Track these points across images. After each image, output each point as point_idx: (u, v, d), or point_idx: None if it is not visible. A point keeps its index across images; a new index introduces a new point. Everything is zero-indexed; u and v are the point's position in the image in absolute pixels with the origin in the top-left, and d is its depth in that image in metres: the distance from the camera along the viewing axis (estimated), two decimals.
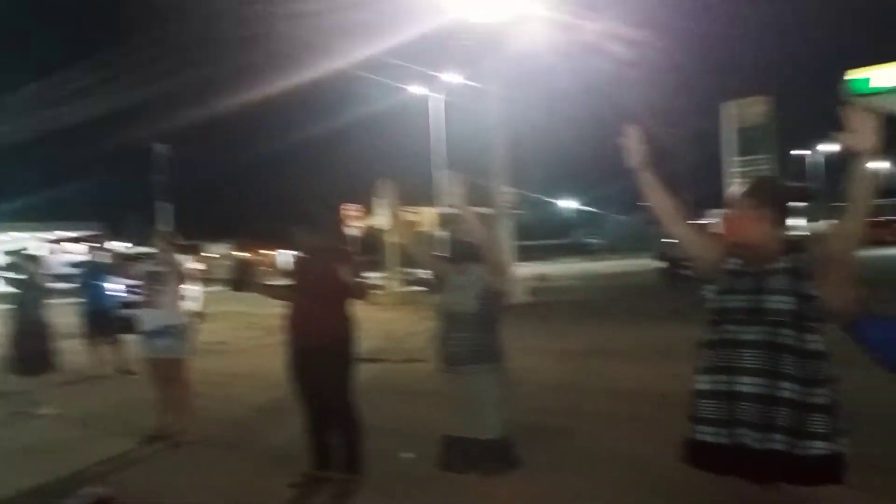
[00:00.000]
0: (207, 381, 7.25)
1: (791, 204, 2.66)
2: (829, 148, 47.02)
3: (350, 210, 18.18)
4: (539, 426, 5.72)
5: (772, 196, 2.63)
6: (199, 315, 6.19)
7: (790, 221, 2.59)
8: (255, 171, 63.03)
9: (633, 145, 2.81)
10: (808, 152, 45.54)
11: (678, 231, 2.80)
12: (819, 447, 2.37)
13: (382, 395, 6.79)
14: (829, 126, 2.50)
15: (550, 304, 17.12)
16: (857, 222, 2.41)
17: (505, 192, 18.19)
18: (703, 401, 2.55)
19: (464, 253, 3.46)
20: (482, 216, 3.56)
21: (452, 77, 27.37)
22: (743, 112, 30.72)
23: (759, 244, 2.55)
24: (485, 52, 18.15)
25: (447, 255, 3.62)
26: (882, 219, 43.62)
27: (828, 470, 2.38)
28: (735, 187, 2.77)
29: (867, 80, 29.94)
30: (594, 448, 5.17)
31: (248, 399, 7.49)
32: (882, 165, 2.31)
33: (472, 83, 20.82)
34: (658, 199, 2.81)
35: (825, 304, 2.40)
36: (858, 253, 2.45)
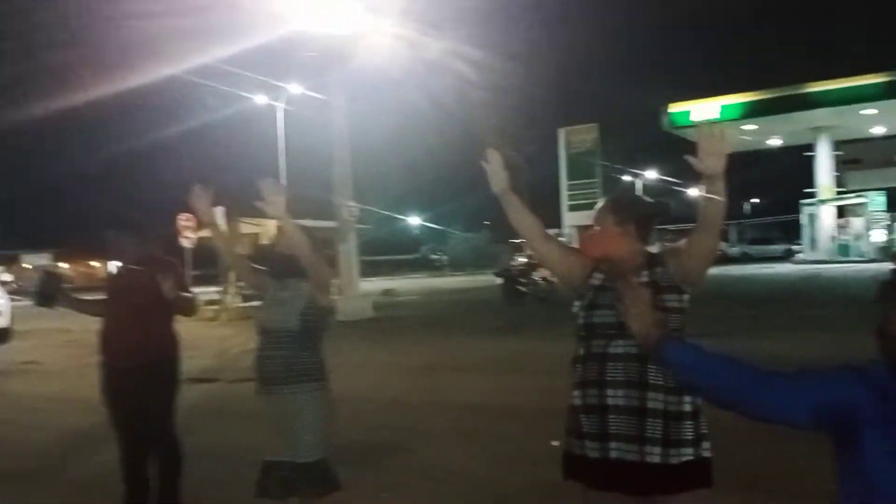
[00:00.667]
0: (13, 406, 6.51)
1: (651, 219, 2.73)
2: (651, 174, 50.95)
3: (185, 221, 17.24)
4: (374, 445, 5.63)
5: (632, 212, 2.68)
6: (5, 331, 5.54)
7: (651, 237, 2.67)
8: (88, 178, 58.45)
9: (496, 169, 2.80)
10: (631, 178, 48.97)
11: (544, 249, 2.82)
12: (688, 454, 2.44)
13: (211, 417, 6.41)
14: (653, 154, 2.60)
15: (394, 319, 17.13)
16: (709, 240, 2.53)
17: (349, 206, 18.02)
18: (577, 415, 2.57)
19: (285, 267, 3.28)
20: (306, 229, 3.37)
21: (296, 88, 26.90)
22: (573, 138, 32.59)
23: (622, 259, 2.60)
24: (329, 64, 17.98)
25: (267, 268, 3.42)
26: None
27: (697, 475, 2.47)
28: (598, 203, 2.79)
29: (688, 112, 32.88)
30: (428, 465, 5.13)
31: (59, 426, 6.79)
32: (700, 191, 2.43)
33: (317, 95, 20.53)
34: (523, 220, 2.81)
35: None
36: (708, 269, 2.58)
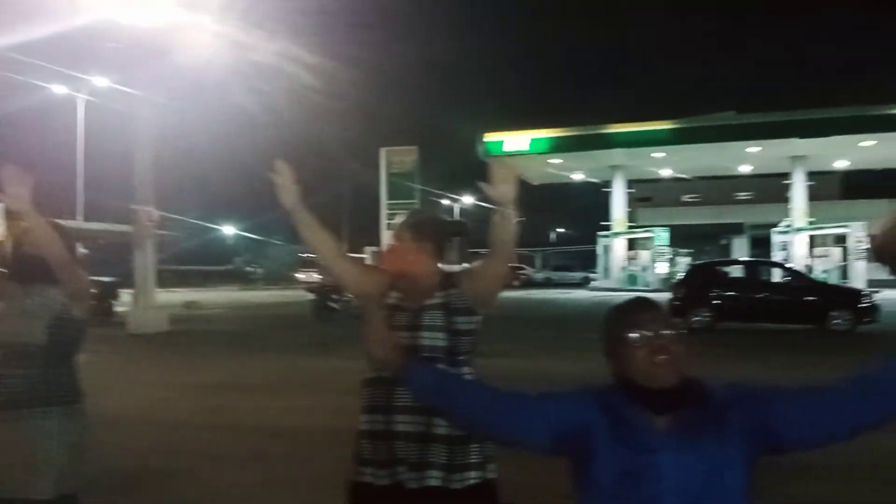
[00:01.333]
0: None
1: (450, 239, 2.73)
2: (469, 199, 52.91)
3: None
4: (148, 471, 5.22)
5: (431, 230, 2.67)
6: None
7: (448, 257, 2.66)
8: None
9: (286, 183, 2.65)
10: (449, 202, 50.62)
11: (337, 267, 2.74)
12: (473, 476, 2.43)
13: None
14: (471, 180, 2.63)
15: (192, 333, 16.21)
16: (501, 264, 2.57)
17: (147, 211, 16.83)
18: (364, 441, 2.50)
19: (30, 270, 2.83)
20: (58, 226, 2.92)
21: (102, 81, 24.92)
22: (394, 159, 33.04)
23: (419, 277, 2.59)
24: (140, 58, 16.80)
25: (9, 272, 2.94)
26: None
27: (482, 497, 2.46)
28: (397, 219, 2.75)
29: (501, 142, 34.56)
30: (205, 491, 4.83)
31: None
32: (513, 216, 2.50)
33: (125, 89, 19.11)
34: (314, 236, 2.70)
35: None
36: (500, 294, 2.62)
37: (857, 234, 29.60)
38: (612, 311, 1.76)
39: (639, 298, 1.77)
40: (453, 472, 2.42)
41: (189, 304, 24.90)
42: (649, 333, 1.62)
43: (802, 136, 29.46)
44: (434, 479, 2.40)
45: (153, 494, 4.74)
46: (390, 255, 2.68)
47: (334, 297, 18.73)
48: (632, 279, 33.82)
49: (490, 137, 34.19)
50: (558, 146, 33.57)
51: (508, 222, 2.49)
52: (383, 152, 34.67)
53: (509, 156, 33.94)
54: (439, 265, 2.67)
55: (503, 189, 2.46)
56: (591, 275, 40.70)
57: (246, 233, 53.58)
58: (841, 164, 36.29)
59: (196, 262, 53.82)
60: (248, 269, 58.14)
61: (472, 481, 2.44)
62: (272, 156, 2.74)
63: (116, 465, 4.99)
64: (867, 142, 30.17)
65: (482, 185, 2.48)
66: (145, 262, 16.85)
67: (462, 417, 1.81)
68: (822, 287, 17.86)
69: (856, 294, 16.15)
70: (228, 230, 57.63)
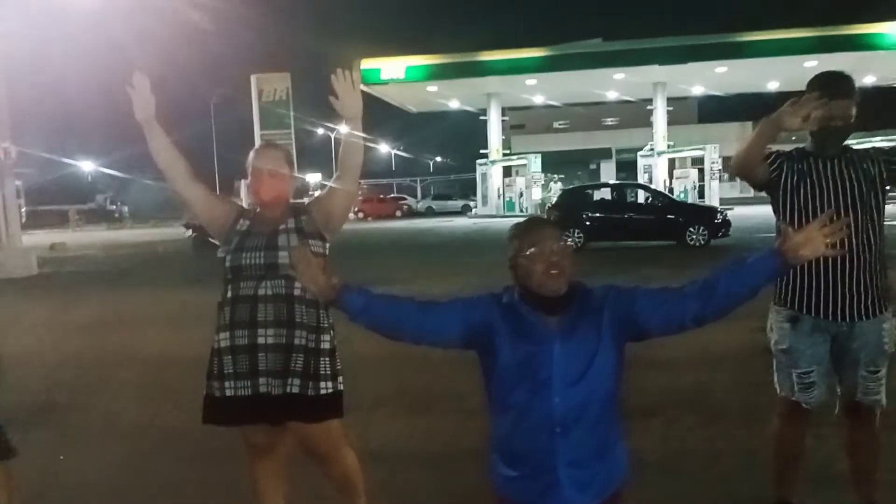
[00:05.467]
0: None
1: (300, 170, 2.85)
2: (345, 128, 51.93)
3: None
4: (48, 405, 5.23)
5: (288, 157, 2.77)
6: None
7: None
8: None
9: (142, 95, 2.66)
10: (325, 131, 49.64)
11: (187, 191, 2.76)
12: (327, 387, 2.64)
13: None
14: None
15: (64, 275, 15.50)
16: (347, 188, 2.70)
17: (4, 147, 15.64)
18: (224, 357, 2.61)
19: None
20: None
21: None
22: (265, 86, 31.88)
23: (279, 204, 2.70)
24: None
25: None
26: (383, 196, 50.11)
27: (332, 406, 2.69)
28: (260, 147, 2.82)
29: (378, 70, 34.06)
30: (106, 421, 4.92)
31: None
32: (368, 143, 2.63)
33: None
34: (166, 155, 2.71)
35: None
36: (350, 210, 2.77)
37: (712, 157, 31.91)
38: (512, 229, 2.02)
39: (533, 218, 2.07)
40: (310, 380, 2.61)
41: (55, 246, 23.55)
42: (544, 249, 1.91)
43: (662, 63, 31.00)
44: (295, 386, 2.59)
45: (64, 426, 4.80)
46: (265, 182, 2.71)
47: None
48: (509, 205, 34.90)
49: (366, 65, 33.62)
50: (434, 73, 33.54)
51: (355, 140, 2.61)
52: (254, 79, 33.40)
53: (387, 84, 33.64)
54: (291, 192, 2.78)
55: (348, 103, 2.56)
56: (471, 202, 41.55)
57: (108, 169, 50.43)
58: (697, 90, 38.45)
59: (52, 202, 50.32)
60: (112, 207, 54.97)
61: (326, 391, 2.65)
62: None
63: (23, 400, 5.04)
64: (720, 68, 32.18)
65: (331, 98, 2.58)
66: (7, 201, 15.76)
67: (390, 328, 2.03)
68: (681, 206, 19.25)
69: (711, 211, 17.59)
70: (87, 166, 54.03)
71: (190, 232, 19.13)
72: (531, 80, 34.32)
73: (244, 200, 19.01)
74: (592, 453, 1.92)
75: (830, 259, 1.84)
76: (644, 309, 1.95)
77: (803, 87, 2.68)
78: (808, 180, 2.70)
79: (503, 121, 39.19)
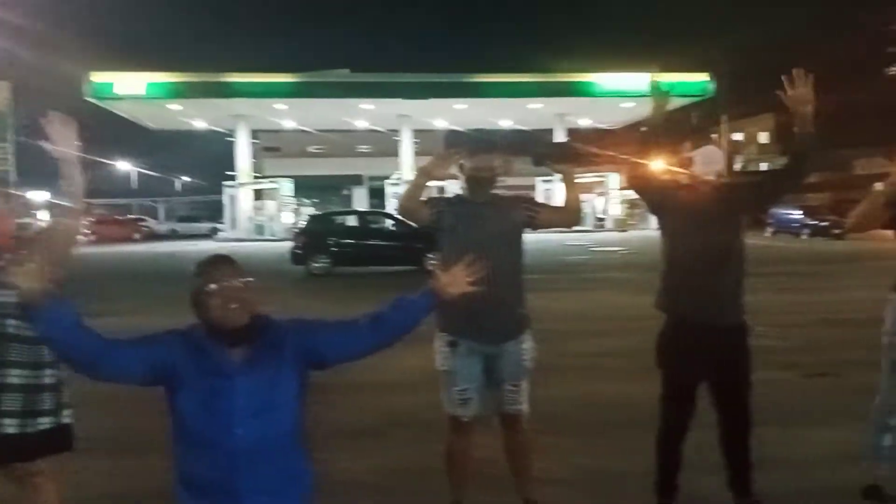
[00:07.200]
0: None
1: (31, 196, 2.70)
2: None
3: None
4: None
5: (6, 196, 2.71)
6: None
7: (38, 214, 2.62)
8: None
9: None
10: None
11: None
12: (46, 422, 2.60)
13: None
14: (80, 122, 2.57)
15: None
16: (71, 219, 2.66)
17: None
18: None
19: None
20: None
21: None
22: None
23: (7, 240, 2.61)
24: None
25: None
26: (120, 217, 46.31)
27: (56, 440, 2.65)
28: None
29: (111, 84, 31.62)
30: None
31: None
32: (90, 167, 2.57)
33: None
34: None
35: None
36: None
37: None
38: (196, 266, 2.11)
39: (215, 256, 2.16)
40: (28, 418, 2.60)
41: None
42: (224, 285, 2.02)
43: (406, 98, 32.61)
44: (9, 426, 2.56)
45: None
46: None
47: None
48: (259, 229, 34.22)
49: (97, 78, 31.14)
50: (178, 92, 32.05)
51: (68, 163, 2.55)
52: None
53: (119, 99, 31.44)
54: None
55: (55, 126, 2.52)
56: (219, 225, 40.00)
57: None
58: (440, 124, 40.96)
59: None
60: None
61: (44, 426, 2.64)
62: None
63: None
64: (460, 105, 34.64)
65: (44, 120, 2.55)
66: None
67: (79, 357, 2.02)
68: (420, 233, 20.13)
69: None
70: None
71: None
72: (281, 105, 34.15)
73: None
74: (277, 481, 2.04)
75: (481, 293, 2.22)
76: (324, 341, 2.16)
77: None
78: (462, 222, 3.19)
79: (254, 143, 38.43)
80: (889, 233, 3.56)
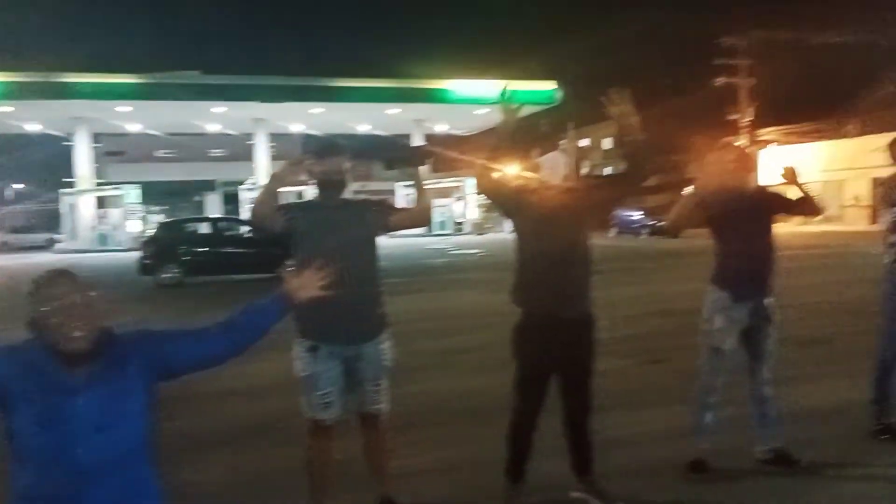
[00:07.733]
0: None
1: None
2: None
3: None
4: None
5: None
6: None
7: None
8: None
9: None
10: None
11: None
12: None
13: None
14: None
15: None
16: None
17: None
18: None
19: None
20: None
21: None
22: None
23: None
24: None
25: None
26: None
27: None
28: None
29: None
30: None
31: None
32: None
33: None
34: None
35: None
36: None
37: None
38: (32, 283, 1.99)
39: (53, 271, 2.03)
40: None
41: None
42: (65, 303, 1.92)
43: (262, 101, 31.84)
44: None
45: None
46: None
47: None
48: (102, 239, 32.09)
49: None
50: (8, 92, 29.50)
51: None
52: None
53: None
54: None
55: None
56: (57, 236, 37.14)
57: None
58: (297, 128, 40.29)
59: None
60: None
61: None
62: None
63: None
64: (316, 109, 34.24)
65: None
66: None
67: None
68: (280, 239, 19.76)
69: None
70: None
71: None
72: (124, 107, 32.27)
73: None
74: (125, 496, 1.99)
75: (335, 294, 2.25)
76: (171, 351, 2.12)
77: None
78: (315, 227, 3.23)
79: (96, 147, 36.05)
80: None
